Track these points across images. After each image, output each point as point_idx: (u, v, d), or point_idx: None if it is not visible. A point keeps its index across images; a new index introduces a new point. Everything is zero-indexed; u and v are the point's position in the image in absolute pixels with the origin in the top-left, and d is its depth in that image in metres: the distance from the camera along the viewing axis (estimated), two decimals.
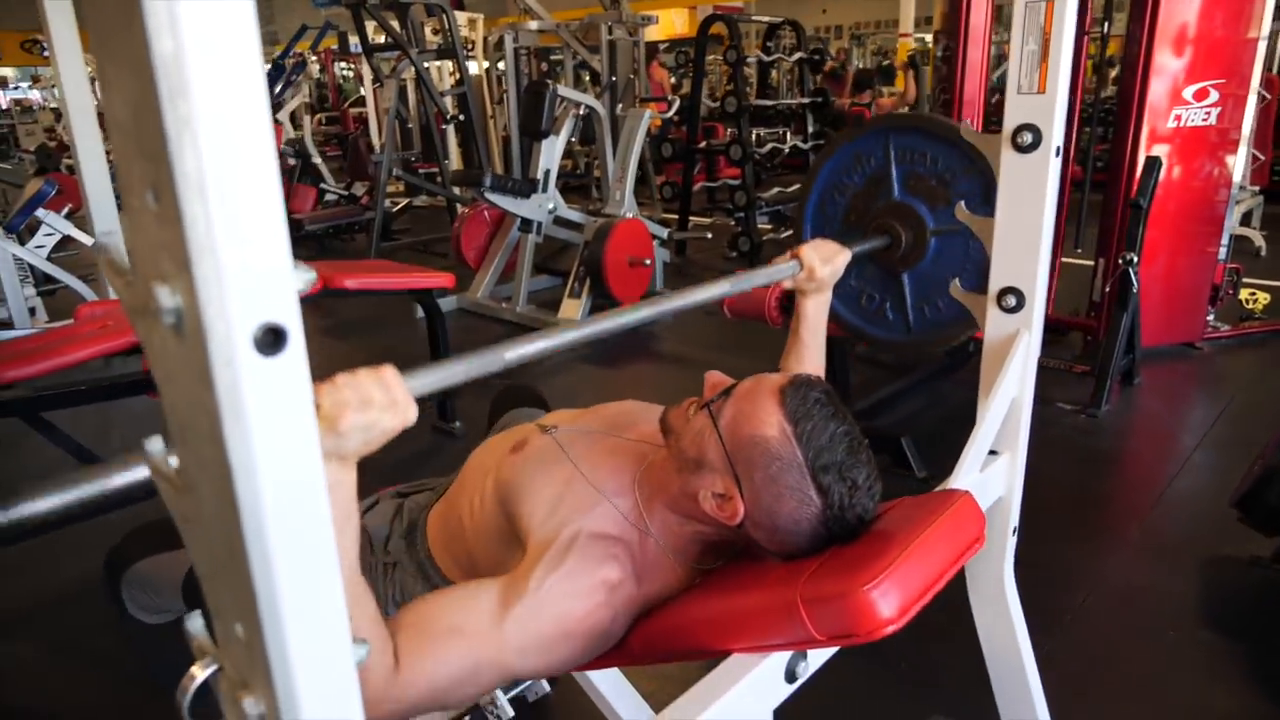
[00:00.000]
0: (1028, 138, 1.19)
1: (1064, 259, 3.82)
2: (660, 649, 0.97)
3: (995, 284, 1.29)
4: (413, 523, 1.22)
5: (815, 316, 1.28)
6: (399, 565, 1.18)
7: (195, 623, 0.56)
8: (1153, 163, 3.07)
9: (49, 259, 4.18)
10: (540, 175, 4.47)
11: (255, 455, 0.43)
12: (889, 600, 0.78)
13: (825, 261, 1.22)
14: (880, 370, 3.62)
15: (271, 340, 0.42)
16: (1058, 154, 1.20)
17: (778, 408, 0.89)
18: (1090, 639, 1.93)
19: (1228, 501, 2.21)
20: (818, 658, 0.94)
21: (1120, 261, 3.10)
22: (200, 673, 0.55)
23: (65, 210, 4.38)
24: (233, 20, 0.38)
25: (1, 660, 1.95)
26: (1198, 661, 1.86)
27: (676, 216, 6.03)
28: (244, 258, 0.41)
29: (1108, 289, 3.37)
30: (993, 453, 1.33)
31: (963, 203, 1.41)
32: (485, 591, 0.89)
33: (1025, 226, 1.24)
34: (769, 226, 6.22)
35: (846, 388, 2.81)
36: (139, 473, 0.57)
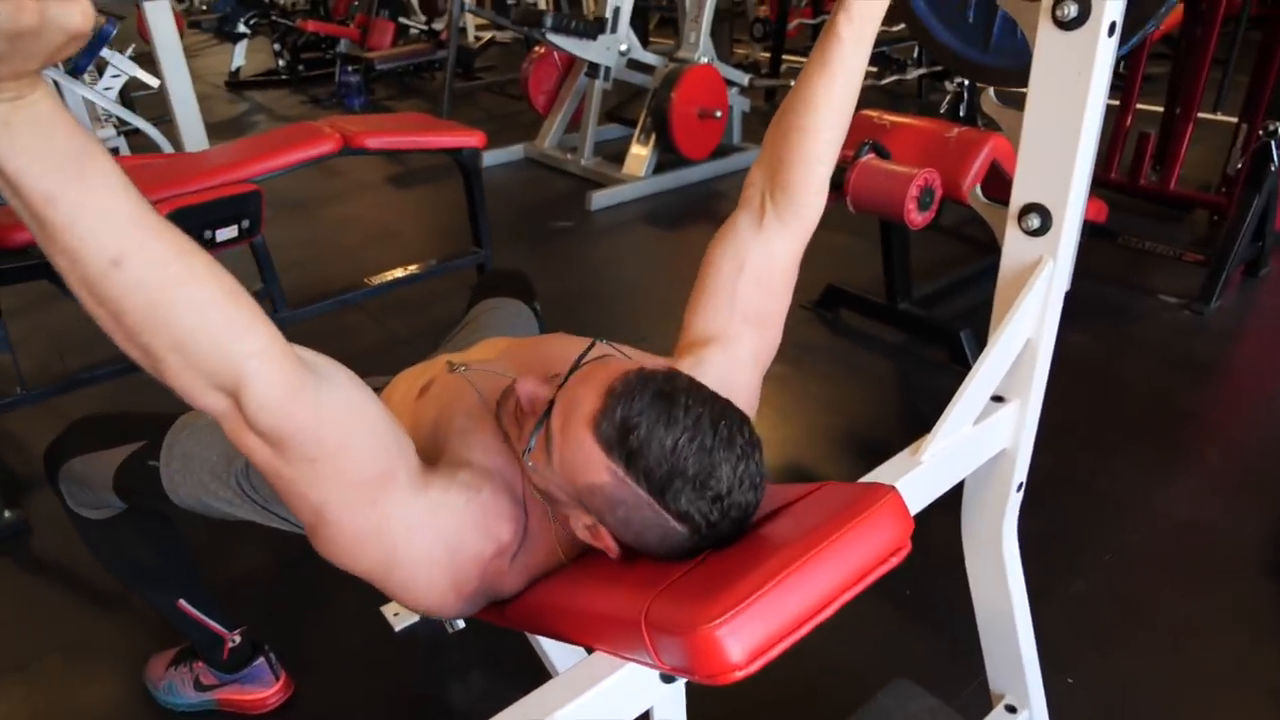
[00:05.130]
0: (1072, 9, 0.90)
1: (1201, 114, 3.26)
2: (533, 625, 0.87)
3: (1018, 198, 1.03)
4: None
5: (866, 5, 0.89)
6: None
7: None
8: None
9: (121, 101, 4.19)
10: (609, 13, 4.09)
11: None
12: (739, 641, 0.63)
13: None
14: (945, 250, 3.27)
15: None
16: (1111, 33, 0.90)
17: (597, 447, 0.72)
18: (1128, 582, 1.72)
19: None
20: None
21: (1262, 132, 2.60)
22: None
23: (130, 51, 4.33)
24: None
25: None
26: (1250, 619, 1.64)
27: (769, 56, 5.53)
28: None
29: (1240, 165, 2.86)
30: (998, 399, 1.12)
31: (991, 92, 1.12)
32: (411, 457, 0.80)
33: (1061, 127, 0.96)
34: (873, 69, 5.63)
35: (906, 271, 2.52)
36: None
